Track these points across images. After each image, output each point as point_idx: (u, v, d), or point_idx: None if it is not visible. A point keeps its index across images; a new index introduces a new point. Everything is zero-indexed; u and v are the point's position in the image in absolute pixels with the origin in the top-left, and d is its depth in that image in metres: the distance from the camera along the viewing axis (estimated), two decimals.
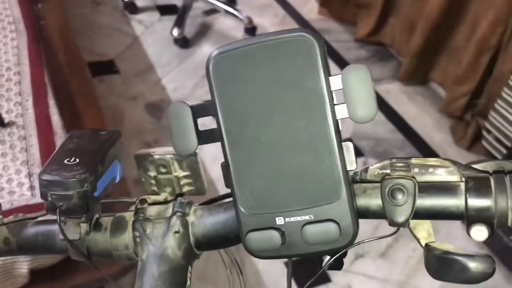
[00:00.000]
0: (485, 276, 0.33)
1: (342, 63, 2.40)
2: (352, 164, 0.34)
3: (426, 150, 2.04)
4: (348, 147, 0.34)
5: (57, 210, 0.38)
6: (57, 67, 1.71)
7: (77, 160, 0.40)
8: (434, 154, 2.02)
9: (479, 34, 1.88)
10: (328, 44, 2.47)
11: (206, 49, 2.42)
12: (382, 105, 2.22)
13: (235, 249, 0.52)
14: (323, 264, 0.39)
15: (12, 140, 1.27)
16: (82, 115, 1.59)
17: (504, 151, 1.81)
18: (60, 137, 1.38)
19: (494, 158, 1.50)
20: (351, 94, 0.33)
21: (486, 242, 1.56)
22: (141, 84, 2.25)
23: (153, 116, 2.10)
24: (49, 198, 0.38)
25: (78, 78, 1.81)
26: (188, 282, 0.40)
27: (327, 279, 1.56)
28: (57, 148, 0.42)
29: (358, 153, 2.00)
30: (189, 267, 0.41)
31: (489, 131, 1.89)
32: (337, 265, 0.39)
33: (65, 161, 0.39)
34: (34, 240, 0.44)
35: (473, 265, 0.33)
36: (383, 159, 0.39)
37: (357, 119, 0.33)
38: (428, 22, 2.08)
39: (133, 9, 2.61)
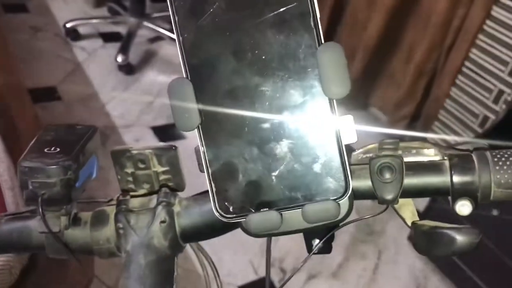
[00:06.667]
0: (472, 246, 0.35)
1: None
2: (353, 136, 0.34)
3: None
4: (349, 120, 0.34)
5: (39, 198, 0.36)
6: None
7: (58, 149, 0.38)
8: None
9: (415, 59, 1.98)
10: None
11: (151, 76, 2.40)
12: None
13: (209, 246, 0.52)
14: (313, 248, 0.39)
15: None
16: (24, 139, 1.53)
17: None
18: (2, 161, 1.31)
19: None
20: (326, 72, 0.33)
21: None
22: (84, 111, 2.19)
23: None
24: (30, 187, 0.36)
25: (19, 103, 1.75)
26: (176, 273, 0.39)
27: None
28: (32, 141, 0.41)
29: None
30: (175, 258, 0.40)
31: None
32: (326, 248, 0.39)
33: (45, 150, 0.38)
34: (8, 237, 0.41)
35: (460, 237, 0.35)
36: (368, 144, 0.40)
37: (331, 95, 0.33)
38: (367, 49, 2.17)
39: (75, 36, 2.56)
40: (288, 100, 0.33)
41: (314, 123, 0.33)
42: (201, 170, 0.35)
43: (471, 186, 0.36)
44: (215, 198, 0.35)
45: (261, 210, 0.34)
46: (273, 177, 0.34)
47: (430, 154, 0.38)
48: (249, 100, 0.33)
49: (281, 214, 0.34)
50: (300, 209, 0.34)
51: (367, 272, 1.68)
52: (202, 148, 0.34)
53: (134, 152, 0.44)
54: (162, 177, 0.45)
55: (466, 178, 0.36)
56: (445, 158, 0.37)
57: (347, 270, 1.68)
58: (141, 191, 0.46)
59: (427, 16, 1.91)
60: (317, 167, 0.33)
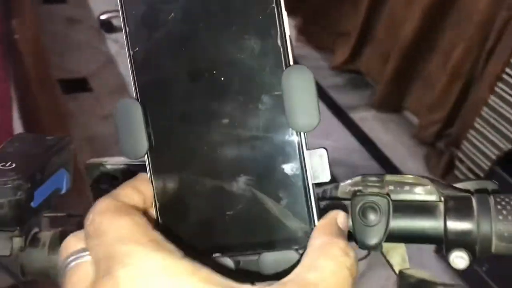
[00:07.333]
0: None
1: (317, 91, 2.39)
2: (325, 175, 0.29)
3: None
4: (322, 155, 0.29)
5: None
6: (25, 82, 1.66)
7: (13, 165, 0.35)
8: None
9: (451, 62, 1.89)
10: None
11: None
12: (357, 132, 2.21)
13: None
14: None
15: None
16: (48, 130, 1.54)
17: None
18: None
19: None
20: (291, 100, 0.28)
21: (458, 271, 1.54)
22: (113, 103, 2.18)
23: None
24: None
25: (46, 95, 1.76)
26: None
27: None
28: None
29: (333, 180, 1.96)
30: None
31: (462, 161, 1.89)
32: None
33: (0, 166, 0.35)
34: None
35: None
36: (356, 175, 0.36)
37: (297, 128, 0.28)
38: (402, 50, 2.09)
39: (110, 28, 2.57)
40: (248, 129, 0.29)
41: (278, 158, 0.29)
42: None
43: (467, 236, 0.30)
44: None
45: (213, 255, 0.30)
46: (228, 218, 0.29)
47: (425, 193, 0.33)
48: (204, 127, 0.29)
49: (238, 261, 0.30)
50: (257, 257, 0.29)
51: (390, 282, 1.62)
52: (150, 178, 0.30)
53: (109, 167, 0.42)
54: None
55: (462, 226, 0.30)
56: (441, 199, 0.32)
57: (370, 279, 1.62)
58: None
59: (468, 16, 1.82)
60: (278, 210, 0.28)
